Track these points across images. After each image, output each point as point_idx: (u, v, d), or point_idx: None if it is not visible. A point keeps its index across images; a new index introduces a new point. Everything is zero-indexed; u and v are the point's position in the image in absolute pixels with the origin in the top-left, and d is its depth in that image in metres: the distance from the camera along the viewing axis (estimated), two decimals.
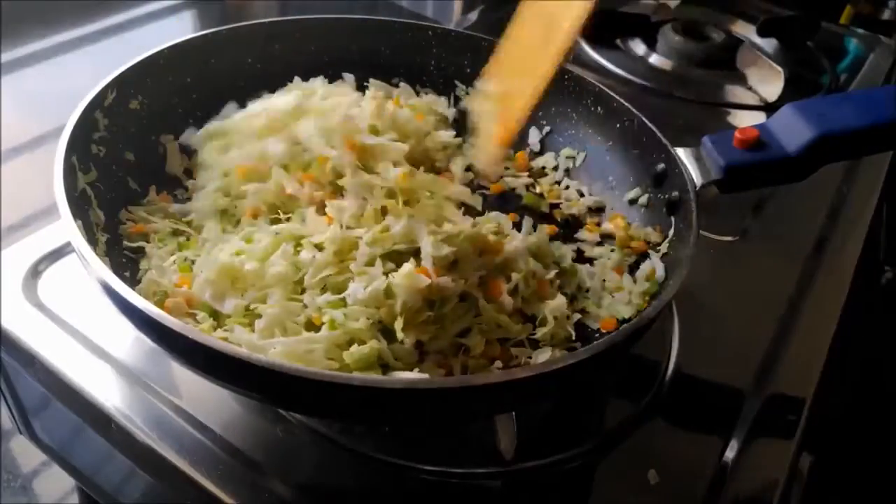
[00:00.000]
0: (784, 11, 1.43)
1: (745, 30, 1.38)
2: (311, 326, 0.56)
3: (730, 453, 0.64)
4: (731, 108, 1.19)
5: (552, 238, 0.72)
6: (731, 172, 0.62)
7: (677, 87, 1.20)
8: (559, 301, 0.62)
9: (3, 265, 0.71)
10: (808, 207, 0.97)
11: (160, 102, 0.71)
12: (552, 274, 0.65)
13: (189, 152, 0.72)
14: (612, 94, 0.75)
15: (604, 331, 0.63)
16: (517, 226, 0.70)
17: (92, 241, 0.56)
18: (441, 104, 0.82)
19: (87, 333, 0.67)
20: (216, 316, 0.57)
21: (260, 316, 0.55)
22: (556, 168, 0.81)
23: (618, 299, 0.65)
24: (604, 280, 0.68)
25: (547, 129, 0.83)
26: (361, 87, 0.82)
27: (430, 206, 0.64)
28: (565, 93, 0.80)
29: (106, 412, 0.61)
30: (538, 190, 0.80)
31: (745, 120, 1.14)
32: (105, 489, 0.79)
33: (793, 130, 0.62)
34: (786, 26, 1.37)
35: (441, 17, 1.60)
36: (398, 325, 0.54)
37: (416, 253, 0.59)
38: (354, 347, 0.53)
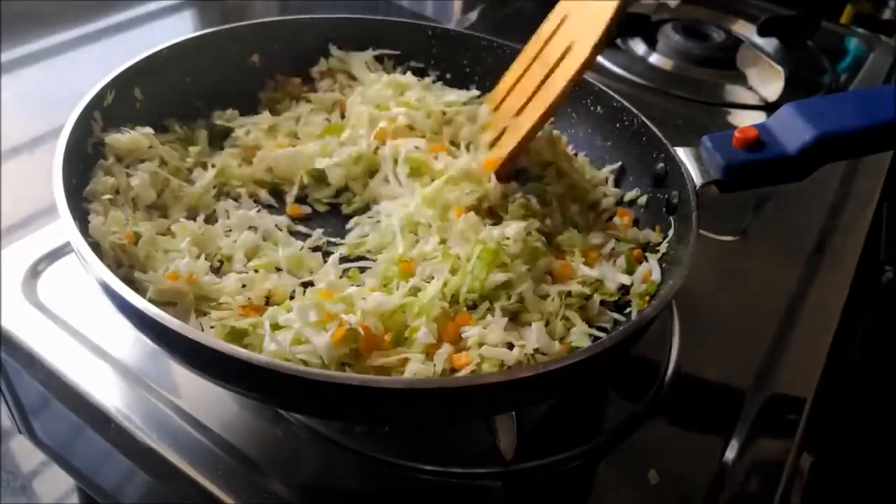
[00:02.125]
0: (784, 11, 1.43)
1: (745, 29, 1.39)
2: None
3: (730, 453, 0.64)
4: (731, 107, 1.19)
5: None
6: (730, 172, 0.62)
7: (677, 87, 1.20)
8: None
9: (3, 265, 0.71)
10: (808, 207, 0.97)
11: (159, 102, 0.71)
12: None
13: None
14: (611, 93, 0.75)
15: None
16: None
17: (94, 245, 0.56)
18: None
19: (86, 333, 0.67)
20: None
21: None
22: None
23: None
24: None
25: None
26: None
27: None
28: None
29: (106, 412, 0.61)
30: None
31: (745, 119, 1.14)
32: (105, 489, 0.79)
33: (793, 130, 0.62)
34: (786, 26, 1.37)
35: (441, 16, 1.59)
36: None
37: None
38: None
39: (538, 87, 0.66)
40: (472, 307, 0.59)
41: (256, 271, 0.61)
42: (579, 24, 0.64)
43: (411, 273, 0.60)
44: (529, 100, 0.67)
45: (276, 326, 0.53)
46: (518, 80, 0.71)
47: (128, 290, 0.47)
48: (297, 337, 0.52)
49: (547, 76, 0.66)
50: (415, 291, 0.57)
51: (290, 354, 0.51)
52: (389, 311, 0.55)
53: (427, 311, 0.55)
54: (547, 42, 0.68)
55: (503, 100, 0.72)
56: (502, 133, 0.70)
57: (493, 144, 0.70)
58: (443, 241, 0.63)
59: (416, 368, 0.52)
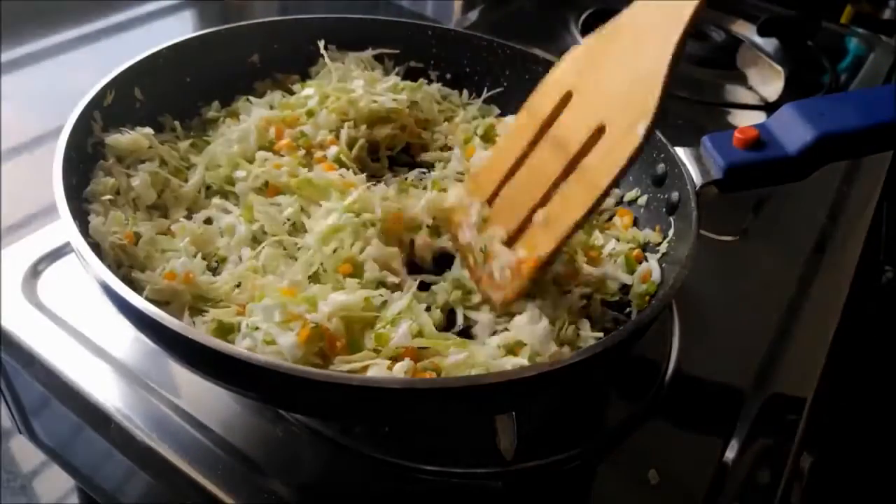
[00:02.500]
0: (784, 11, 1.44)
1: (745, 29, 1.39)
2: None
3: (730, 453, 0.64)
4: (731, 107, 1.19)
5: None
6: (730, 172, 0.62)
7: (677, 87, 1.20)
8: None
9: (3, 265, 0.71)
10: (808, 207, 0.97)
11: (159, 102, 0.71)
12: None
13: None
14: None
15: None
16: None
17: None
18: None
19: (86, 333, 0.67)
20: None
21: None
22: None
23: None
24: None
25: None
26: None
27: None
28: None
29: (106, 412, 0.61)
30: None
31: (745, 119, 1.14)
32: (105, 489, 0.79)
33: (793, 130, 0.62)
34: (786, 26, 1.37)
35: (441, 16, 1.60)
36: None
37: None
38: None
39: (562, 175, 0.56)
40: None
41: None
42: (605, 99, 0.53)
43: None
44: (552, 188, 0.56)
45: (254, 327, 0.53)
46: (515, 167, 0.60)
47: (128, 291, 0.47)
48: (266, 337, 0.52)
49: (571, 162, 0.55)
50: (368, 298, 0.56)
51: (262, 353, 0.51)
52: (355, 310, 0.54)
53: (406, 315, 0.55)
54: (549, 122, 0.58)
55: (498, 189, 0.61)
56: (520, 227, 0.59)
57: (510, 242, 0.59)
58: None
59: (378, 373, 0.50)
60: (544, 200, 0.57)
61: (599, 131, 0.54)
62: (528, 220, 0.58)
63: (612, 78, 0.54)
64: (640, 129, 0.50)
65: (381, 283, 0.58)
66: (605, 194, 0.53)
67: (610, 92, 0.53)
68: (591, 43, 0.57)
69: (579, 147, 0.54)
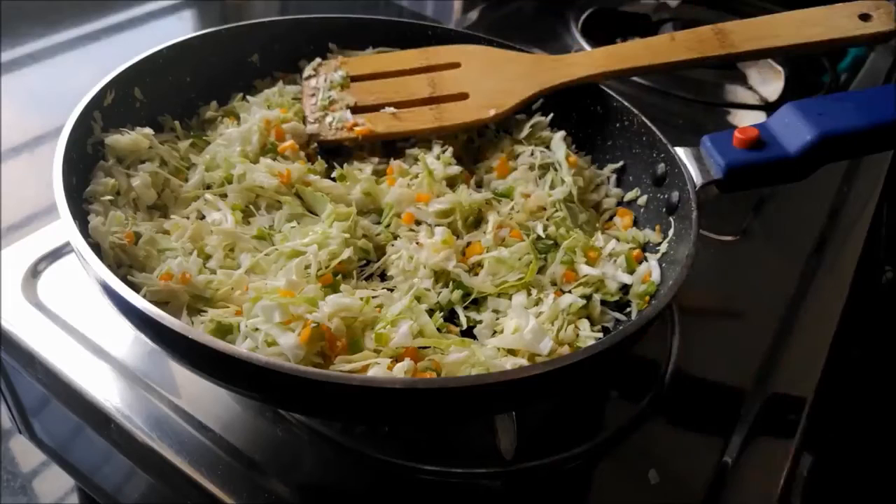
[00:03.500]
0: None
1: None
2: None
3: (730, 453, 0.64)
4: (731, 107, 1.19)
5: None
6: (730, 172, 0.62)
7: (677, 87, 1.20)
8: None
9: (3, 265, 0.71)
10: (808, 207, 0.97)
11: (159, 102, 0.71)
12: None
13: None
14: (611, 93, 0.75)
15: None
16: None
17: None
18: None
19: (86, 333, 0.67)
20: None
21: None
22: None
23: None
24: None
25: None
26: None
27: None
28: (564, 92, 0.79)
29: (106, 412, 0.61)
30: None
31: (745, 119, 1.14)
32: (105, 489, 0.79)
33: (793, 130, 0.62)
34: None
35: (441, 16, 1.60)
36: None
37: None
38: None
39: (425, 101, 0.73)
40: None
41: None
42: (481, 85, 0.73)
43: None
44: (411, 103, 0.73)
45: (254, 328, 0.53)
46: (394, 75, 0.76)
47: (128, 290, 0.47)
48: (267, 338, 0.52)
49: (433, 98, 0.73)
50: (367, 298, 0.57)
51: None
52: (354, 312, 0.54)
53: (406, 315, 0.55)
54: (435, 68, 0.75)
55: (369, 77, 0.76)
56: (371, 108, 0.74)
57: (356, 109, 0.73)
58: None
59: (379, 373, 0.51)
60: (398, 105, 0.73)
61: (463, 96, 0.74)
62: (377, 108, 0.74)
63: (493, 77, 0.75)
64: (490, 112, 0.72)
65: None
66: (444, 129, 0.72)
67: (485, 83, 0.74)
68: (493, 52, 0.77)
69: (446, 94, 0.74)
